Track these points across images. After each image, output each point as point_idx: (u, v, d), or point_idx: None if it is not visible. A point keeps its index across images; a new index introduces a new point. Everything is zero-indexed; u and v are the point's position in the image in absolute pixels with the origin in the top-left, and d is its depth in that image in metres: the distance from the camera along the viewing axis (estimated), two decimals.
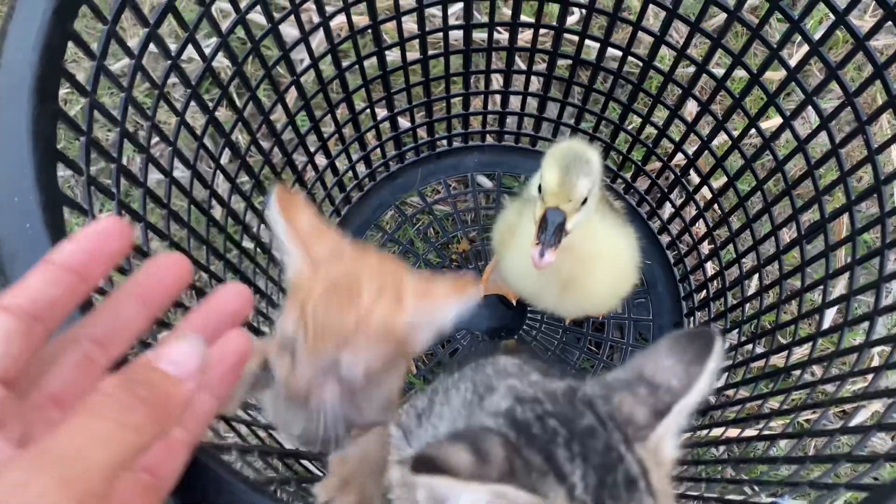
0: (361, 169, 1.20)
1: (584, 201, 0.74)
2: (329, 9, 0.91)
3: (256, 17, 0.87)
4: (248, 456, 0.55)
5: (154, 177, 1.10)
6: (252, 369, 0.60)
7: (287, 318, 0.57)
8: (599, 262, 0.87)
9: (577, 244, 0.76)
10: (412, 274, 0.61)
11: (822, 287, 0.84)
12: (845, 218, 0.82)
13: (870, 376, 0.66)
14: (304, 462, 0.71)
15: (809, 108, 0.85)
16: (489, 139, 1.25)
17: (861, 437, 0.58)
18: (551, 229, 0.72)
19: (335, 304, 0.55)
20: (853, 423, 0.63)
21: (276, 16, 0.85)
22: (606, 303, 0.96)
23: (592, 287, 0.89)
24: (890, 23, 0.71)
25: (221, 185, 1.09)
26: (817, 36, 0.80)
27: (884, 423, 0.56)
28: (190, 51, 0.77)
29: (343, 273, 0.57)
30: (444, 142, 1.24)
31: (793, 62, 0.86)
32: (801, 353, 0.90)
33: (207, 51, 0.80)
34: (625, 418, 0.42)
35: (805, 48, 0.82)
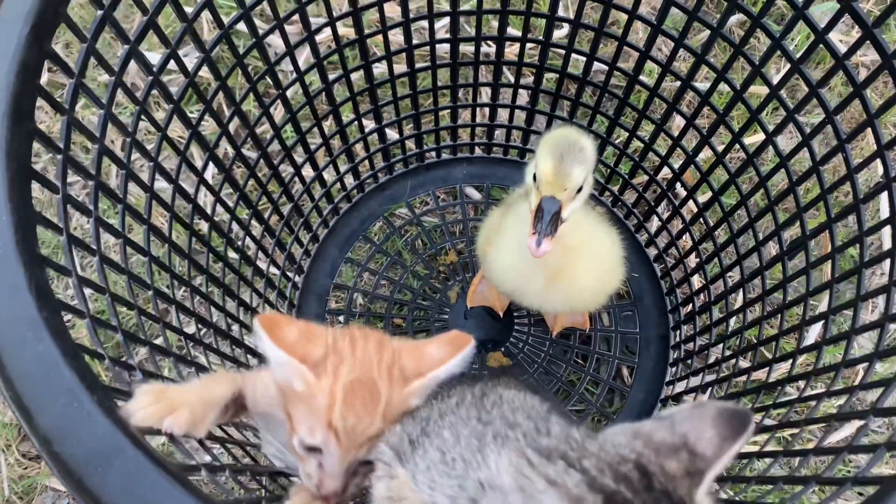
0: (350, 180, 1.20)
1: (580, 189, 0.74)
2: (318, 21, 0.91)
3: (243, 29, 0.87)
4: (219, 475, 0.56)
5: (137, 191, 1.10)
6: (223, 396, 0.61)
7: (305, 428, 0.60)
8: (586, 253, 0.86)
9: (564, 234, 0.75)
10: (402, 344, 0.66)
11: (803, 303, 0.84)
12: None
13: (844, 397, 0.66)
14: (280, 480, 0.72)
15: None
16: (478, 151, 1.25)
17: (832, 459, 0.58)
18: (547, 218, 0.72)
19: (360, 407, 0.59)
20: (827, 442, 0.63)
21: (262, 28, 0.85)
22: (594, 297, 0.95)
23: (579, 278, 0.88)
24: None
25: (207, 200, 1.10)
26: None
27: (855, 446, 0.56)
28: (176, 64, 0.78)
29: (355, 374, 0.60)
30: (433, 153, 1.24)
31: (779, 79, 0.86)
32: (783, 368, 0.90)
33: (193, 64, 0.80)
34: (672, 481, 0.46)
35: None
